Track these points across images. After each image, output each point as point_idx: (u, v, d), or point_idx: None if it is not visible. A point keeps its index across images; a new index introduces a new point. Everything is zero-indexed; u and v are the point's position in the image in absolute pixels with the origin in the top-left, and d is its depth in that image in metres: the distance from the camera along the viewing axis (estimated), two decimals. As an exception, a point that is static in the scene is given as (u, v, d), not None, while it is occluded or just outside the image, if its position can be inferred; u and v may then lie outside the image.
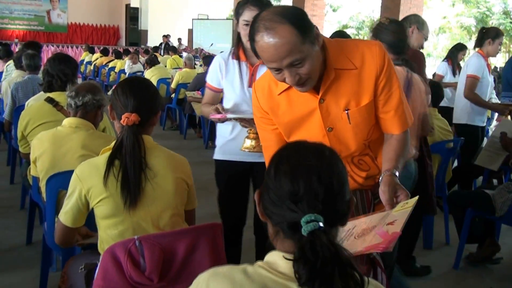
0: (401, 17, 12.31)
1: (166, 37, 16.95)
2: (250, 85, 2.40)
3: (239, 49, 2.43)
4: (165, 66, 10.55)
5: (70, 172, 2.21)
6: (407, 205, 1.44)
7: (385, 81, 1.61)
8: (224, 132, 2.54)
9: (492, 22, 19.45)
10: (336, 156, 1.09)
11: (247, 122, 2.24)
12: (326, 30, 18.63)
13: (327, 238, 0.96)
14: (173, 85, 7.85)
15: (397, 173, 1.57)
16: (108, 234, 1.81)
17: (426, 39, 3.36)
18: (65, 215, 1.84)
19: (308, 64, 1.46)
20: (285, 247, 1.05)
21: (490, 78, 4.48)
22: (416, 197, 1.45)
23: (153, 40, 19.87)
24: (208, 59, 7.50)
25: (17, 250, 3.41)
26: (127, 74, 10.03)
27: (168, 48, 14.07)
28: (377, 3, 13.77)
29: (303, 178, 1.02)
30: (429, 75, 7.08)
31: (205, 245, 1.72)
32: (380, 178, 1.58)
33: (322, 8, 17.29)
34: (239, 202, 2.60)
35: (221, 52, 2.66)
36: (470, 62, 4.34)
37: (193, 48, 17.82)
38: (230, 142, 2.50)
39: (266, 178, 1.09)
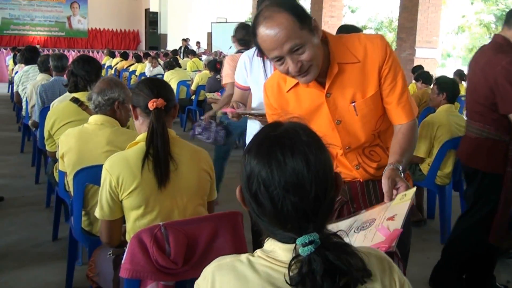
0: (418, 18, 12.33)
1: (185, 40, 17.15)
2: None
3: None
4: (185, 69, 10.72)
5: (97, 167, 2.34)
6: (405, 197, 1.44)
7: (387, 71, 1.65)
8: (253, 130, 2.56)
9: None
10: (313, 143, 1.01)
11: (260, 118, 2.25)
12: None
13: (325, 259, 0.93)
14: (193, 87, 8.00)
15: (400, 167, 1.58)
16: (137, 224, 1.90)
17: None
18: (102, 210, 1.92)
19: (309, 50, 1.50)
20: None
21: None
22: (414, 188, 1.46)
23: (173, 43, 20.08)
24: (212, 63, 7.57)
25: (44, 245, 3.54)
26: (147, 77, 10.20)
27: (187, 51, 14.24)
28: (396, 3, 13.72)
29: (285, 197, 0.96)
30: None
31: (226, 232, 1.81)
32: (384, 171, 1.60)
33: (341, 9, 17.30)
34: None
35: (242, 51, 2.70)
36: None
37: (212, 51, 18.00)
38: None
39: (242, 178, 1.03)
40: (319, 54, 1.56)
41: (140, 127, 2.02)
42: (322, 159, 1.00)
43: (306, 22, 1.51)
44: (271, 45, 1.49)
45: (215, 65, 7.46)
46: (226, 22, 21.68)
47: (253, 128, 2.55)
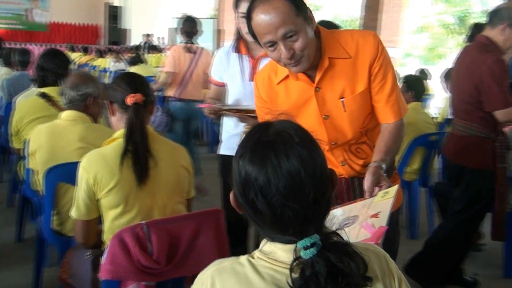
0: (380, 17, 12.57)
1: (148, 36, 16.89)
2: (251, 79, 2.37)
3: (240, 42, 2.41)
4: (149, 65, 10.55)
5: (69, 165, 2.27)
6: (388, 195, 1.45)
7: (378, 68, 1.64)
8: (228, 127, 2.52)
9: (473, 21, 19.80)
10: (306, 143, 0.99)
11: (239, 115, 2.20)
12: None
13: (328, 260, 0.92)
14: (158, 84, 7.85)
15: (383, 166, 1.59)
16: (115, 224, 1.86)
17: None
18: (78, 210, 1.87)
19: (302, 38, 1.50)
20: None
21: None
22: (396, 186, 1.47)
23: (135, 39, 19.78)
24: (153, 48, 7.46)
25: (7, 247, 3.39)
26: (111, 72, 9.99)
27: (149, 47, 14.04)
28: (359, 2, 13.90)
29: (283, 202, 0.94)
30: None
31: (208, 230, 1.78)
32: (368, 168, 1.61)
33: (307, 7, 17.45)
34: None
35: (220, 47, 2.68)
36: None
37: (175, 47, 17.81)
38: (234, 137, 2.46)
39: (235, 180, 1.01)
40: (312, 45, 1.55)
41: (117, 123, 1.97)
42: (316, 158, 0.99)
43: (302, 10, 1.50)
44: (265, 29, 1.49)
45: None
46: (189, 18, 21.51)
47: (228, 125, 2.51)
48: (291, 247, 0.96)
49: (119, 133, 1.91)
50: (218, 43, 19.37)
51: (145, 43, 16.72)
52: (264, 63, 2.33)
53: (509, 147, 2.79)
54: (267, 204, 0.94)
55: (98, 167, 1.82)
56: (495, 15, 2.74)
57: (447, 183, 3.21)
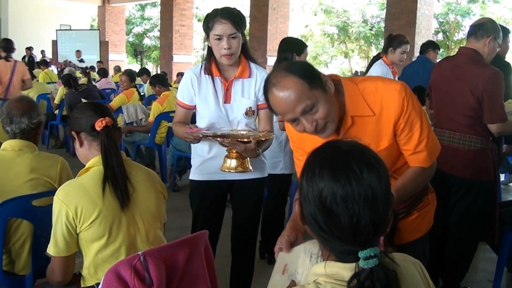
0: (267, 28, 13.02)
1: (29, 49, 15.83)
2: (226, 101, 2.34)
3: (212, 63, 2.34)
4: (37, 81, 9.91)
5: (21, 198, 2.12)
6: None
7: (403, 125, 1.62)
8: (202, 151, 2.42)
9: (353, 30, 21.26)
10: (380, 159, 1.08)
11: (225, 140, 2.10)
12: (194, 39, 18.82)
13: (385, 273, 0.99)
14: (56, 101, 7.44)
15: None
16: (99, 257, 1.78)
17: (499, 47, 2.93)
18: (56, 247, 1.75)
19: (322, 108, 1.50)
20: (334, 259, 1.07)
21: None
22: None
23: (15, 52, 18.39)
24: (65, 78, 7.15)
25: None
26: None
27: (31, 61, 13.16)
28: (245, 13, 14.30)
29: (362, 211, 1.00)
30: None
31: (199, 253, 1.77)
32: None
33: (191, 18, 17.48)
34: (215, 223, 2.52)
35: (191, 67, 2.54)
36: (372, 70, 4.42)
37: (58, 61, 16.89)
38: (208, 162, 2.40)
39: (311, 194, 1.05)
40: (333, 109, 1.55)
41: (88, 153, 1.88)
42: (387, 175, 1.06)
43: (315, 81, 1.51)
44: (283, 108, 1.50)
45: (68, 80, 7.04)
46: (71, 29, 20.55)
47: (202, 149, 2.41)
48: (352, 265, 1.02)
49: (93, 161, 1.84)
50: (102, 55, 18.78)
51: (25, 56, 15.64)
52: (237, 85, 2.35)
53: (499, 155, 2.94)
54: (347, 209, 1.00)
55: (78, 199, 1.73)
56: (479, 29, 2.83)
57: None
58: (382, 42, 16.25)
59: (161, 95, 5.91)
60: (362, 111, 1.61)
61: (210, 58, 2.35)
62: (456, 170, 2.83)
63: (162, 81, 6.11)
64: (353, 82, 1.65)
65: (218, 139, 2.11)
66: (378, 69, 4.29)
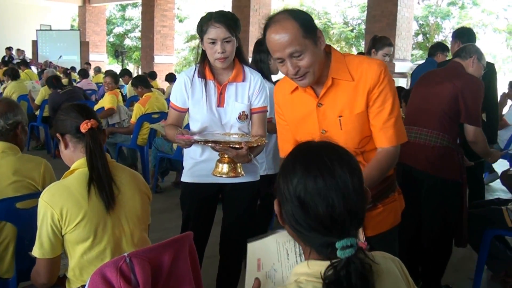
0: (249, 29, 13.05)
1: (8, 49, 15.61)
2: (219, 105, 2.34)
3: (205, 67, 2.34)
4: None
5: (3, 201, 2.12)
6: None
7: (377, 95, 1.74)
8: (194, 154, 2.42)
9: (334, 31, 21.42)
10: (351, 154, 1.13)
11: (217, 145, 2.10)
12: (176, 40, 18.78)
13: (361, 264, 1.03)
14: (37, 102, 7.36)
15: None
16: (84, 259, 1.78)
17: (484, 69, 3.15)
18: (42, 249, 1.75)
19: (308, 57, 1.65)
20: (316, 256, 1.10)
21: None
22: None
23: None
24: (49, 80, 7.08)
25: None
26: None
27: (12, 61, 12.98)
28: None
29: (336, 200, 1.04)
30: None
31: (184, 254, 1.78)
32: None
33: (172, 19, 17.42)
34: (206, 224, 2.53)
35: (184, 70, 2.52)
36: None
37: (38, 61, 16.68)
38: (200, 164, 2.40)
39: (286, 191, 1.09)
40: (317, 63, 1.70)
41: (72, 155, 1.89)
42: (359, 169, 1.10)
43: (310, 32, 1.65)
44: (275, 47, 1.65)
45: (51, 81, 6.99)
46: (51, 29, 20.33)
47: (195, 152, 2.40)
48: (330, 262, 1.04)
49: (78, 163, 1.84)
50: (83, 55, 18.61)
51: (4, 57, 15.41)
52: (231, 89, 2.34)
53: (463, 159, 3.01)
54: (321, 201, 1.04)
55: (63, 200, 1.73)
56: (462, 51, 3.03)
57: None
58: (363, 44, 16.45)
59: (143, 96, 5.90)
60: (343, 75, 1.75)
61: (204, 61, 2.34)
62: (422, 165, 2.91)
63: (144, 82, 6.09)
64: (342, 54, 1.81)
65: (210, 144, 2.11)
66: None
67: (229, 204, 2.55)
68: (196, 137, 2.11)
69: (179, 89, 2.37)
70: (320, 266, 1.06)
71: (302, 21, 1.64)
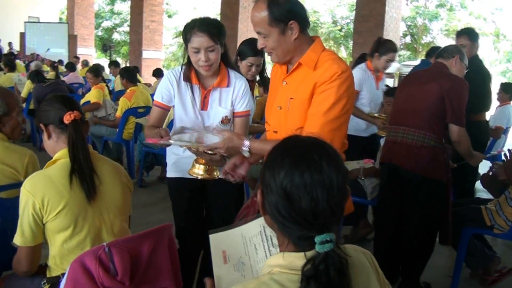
0: (237, 26, 13.05)
1: (-5, 41, 15.49)
2: (202, 108, 2.38)
3: (191, 71, 2.35)
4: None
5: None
6: None
7: (321, 91, 1.82)
8: (177, 150, 2.46)
9: (322, 30, 21.50)
10: (337, 152, 1.15)
11: (192, 148, 2.10)
12: (164, 35, 18.73)
13: (338, 258, 1.05)
14: (23, 94, 7.33)
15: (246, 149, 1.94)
16: (65, 247, 1.81)
17: (466, 69, 3.20)
18: (23, 237, 1.78)
19: (270, 42, 1.86)
20: (292, 249, 1.11)
21: (378, 91, 4.20)
22: None
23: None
24: (32, 74, 7.07)
25: None
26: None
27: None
28: (214, 11, 14.26)
29: (320, 195, 1.06)
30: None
31: (163, 245, 1.82)
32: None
33: (161, 14, 17.38)
34: (197, 218, 2.56)
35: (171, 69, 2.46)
36: None
37: (26, 53, 16.56)
38: (183, 159, 2.42)
39: (272, 183, 1.11)
40: (281, 49, 1.88)
41: (55, 145, 1.92)
42: (344, 168, 1.14)
43: (278, 22, 1.82)
44: (252, 21, 1.88)
45: (36, 75, 7.00)
46: (39, 22, 20.17)
47: (174, 147, 2.40)
48: (307, 254, 1.06)
49: (61, 153, 1.87)
50: (71, 49, 18.50)
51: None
52: (215, 93, 2.38)
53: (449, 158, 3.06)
54: (307, 195, 1.06)
55: (45, 190, 1.76)
56: (444, 51, 3.09)
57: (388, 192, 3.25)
58: (351, 43, 16.52)
59: (129, 90, 5.89)
60: (309, 63, 1.88)
61: (190, 66, 2.35)
62: (408, 164, 2.95)
63: (130, 77, 6.06)
64: (323, 48, 1.93)
65: (184, 147, 2.14)
66: (357, 73, 3.98)
67: (211, 199, 2.58)
68: (172, 142, 2.06)
69: (165, 86, 2.38)
70: (294, 257, 1.08)
71: (274, 11, 1.80)
